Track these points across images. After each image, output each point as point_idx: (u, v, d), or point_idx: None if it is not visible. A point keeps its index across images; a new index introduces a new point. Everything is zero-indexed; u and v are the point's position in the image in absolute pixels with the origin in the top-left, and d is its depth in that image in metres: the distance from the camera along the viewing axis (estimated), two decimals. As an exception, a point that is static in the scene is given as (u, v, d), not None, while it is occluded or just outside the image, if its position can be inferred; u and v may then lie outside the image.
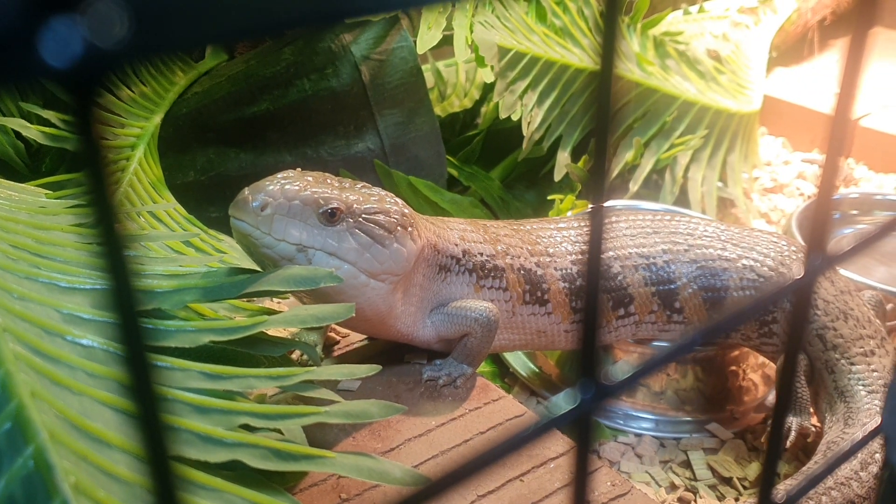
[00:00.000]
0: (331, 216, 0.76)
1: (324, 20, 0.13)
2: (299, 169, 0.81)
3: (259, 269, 0.77)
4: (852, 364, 0.86)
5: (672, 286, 0.93)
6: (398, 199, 0.82)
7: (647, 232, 0.96)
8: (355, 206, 0.77)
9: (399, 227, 0.79)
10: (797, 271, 0.97)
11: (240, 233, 0.76)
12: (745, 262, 0.93)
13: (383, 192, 0.82)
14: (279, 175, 0.78)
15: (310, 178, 0.79)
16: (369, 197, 0.80)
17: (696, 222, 0.98)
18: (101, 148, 0.14)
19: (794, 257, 0.93)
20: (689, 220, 0.98)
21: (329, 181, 0.80)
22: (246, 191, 0.76)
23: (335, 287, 0.75)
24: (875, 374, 0.85)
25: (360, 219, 0.77)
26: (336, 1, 0.13)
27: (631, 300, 0.94)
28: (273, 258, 0.76)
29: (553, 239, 0.93)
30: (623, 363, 1.02)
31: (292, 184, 0.77)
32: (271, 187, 0.76)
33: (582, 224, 0.96)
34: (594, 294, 0.23)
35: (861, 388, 0.84)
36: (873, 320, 0.90)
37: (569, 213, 1.17)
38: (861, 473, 0.74)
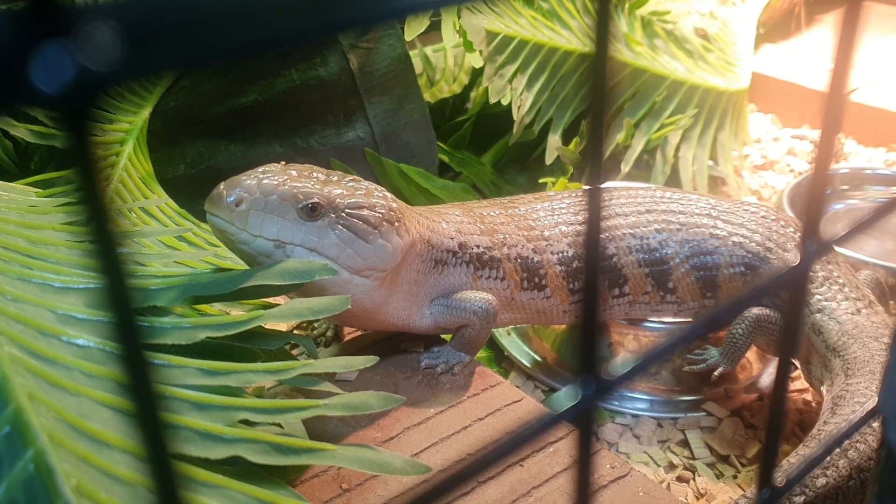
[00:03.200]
0: (311, 211, 0.74)
1: (317, 35, 0.13)
2: (283, 162, 0.80)
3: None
4: (840, 323, 0.87)
5: (665, 267, 0.94)
6: (387, 194, 0.80)
7: (639, 211, 0.96)
8: (338, 200, 0.76)
9: (384, 223, 0.77)
10: (783, 244, 0.98)
11: (216, 229, 0.75)
12: (734, 238, 0.94)
13: (372, 186, 0.80)
14: (259, 169, 0.77)
15: (293, 172, 0.77)
16: (355, 191, 0.78)
17: (688, 198, 0.98)
18: (96, 168, 0.14)
19: (782, 231, 0.95)
20: (681, 197, 0.98)
21: (315, 175, 0.78)
22: (221, 185, 0.74)
23: (317, 283, 0.73)
24: (864, 326, 0.86)
25: (343, 214, 0.76)
26: (329, 15, 0.13)
27: (626, 281, 0.94)
28: (251, 254, 0.75)
29: (548, 221, 0.93)
30: (623, 355, 1.03)
31: (271, 178, 0.75)
32: (248, 182, 0.74)
33: (575, 201, 0.96)
34: (593, 289, 0.23)
35: (851, 341, 0.85)
36: (861, 287, 0.91)
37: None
38: (875, 424, 0.74)
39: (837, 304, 0.88)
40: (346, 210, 0.76)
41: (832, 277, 0.91)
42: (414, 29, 1.17)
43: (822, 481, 0.68)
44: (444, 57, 1.52)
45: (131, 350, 0.18)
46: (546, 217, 0.93)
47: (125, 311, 0.17)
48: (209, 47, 0.12)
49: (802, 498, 0.67)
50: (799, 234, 0.94)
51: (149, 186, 1.05)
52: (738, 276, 0.94)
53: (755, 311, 0.91)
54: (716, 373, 0.94)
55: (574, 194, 0.98)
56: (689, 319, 1.00)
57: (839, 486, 0.69)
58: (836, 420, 0.77)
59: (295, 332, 0.93)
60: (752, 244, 0.94)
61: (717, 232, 0.95)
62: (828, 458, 0.70)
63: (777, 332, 0.91)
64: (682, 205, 0.97)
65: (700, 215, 0.96)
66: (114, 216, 0.15)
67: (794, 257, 0.95)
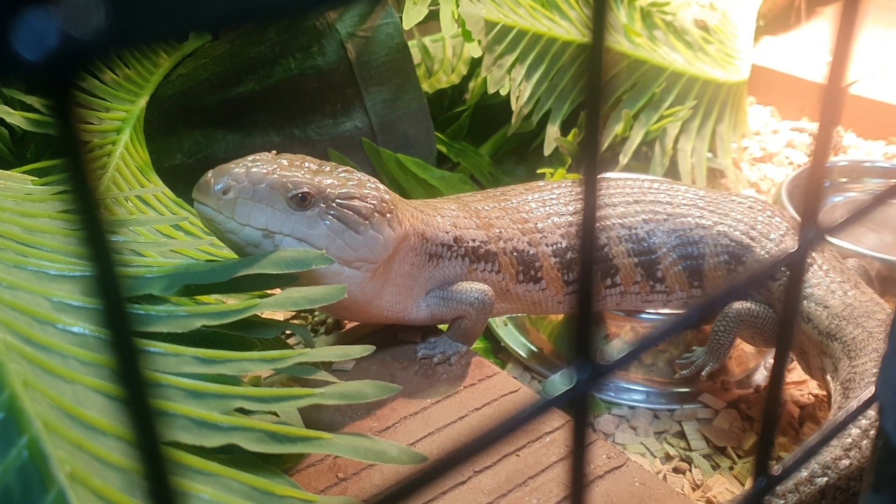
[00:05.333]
0: (301, 201, 0.73)
1: (306, 6, 0.13)
2: (274, 151, 0.79)
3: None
4: (827, 307, 0.87)
5: (653, 256, 0.95)
6: (380, 185, 0.80)
7: (627, 201, 0.97)
8: (329, 190, 0.75)
9: (376, 214, 0.76)
10: (766, 233, 0.98)
11: (203, 217, 0.74)
12: (719, 228, 0.95)
13: (364, 178, 0.79)
14: (248, 157, 0.76)
15: (284, 162, 0.76)
16: (346, 182, 0.77)
17: (674, 188, 0.99)
18: (82, 138, 0.14)
19: (766, 221, 0.95)
20: (668, 187, 0.99)
21: (307, 165, 0.77)
22: (209, 173, 0.73)
23: (307, 274, 0.72)
24: (854, 306, 0.86)
25: (334, 204, 0.75)
26: (319, -15, 0.13)
27: (617, 271, 0.95)
28: (239, 244, 0.74)
29: (540, 212, 0.93)
30: (618, 341, 1.03)
31: (260, 167, 0.74)
32: (236, 170, 0.73)
33: (565, 191, 0.96)
34: (588, 274, 0.23)
35: (844, 322, 0.85)
36: (846, 270, 0.92)
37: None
38: None
39: (823, 290, 0.89)
40: (337, 200, 0.75)
41: (816, 263, 0.91)
42: (412, 18, 1.17)
43: (845, 462, 0.68)
44: (443, 47, 1.52)
45: (121, 336, 0.18)
46: (538, 209, 0.93)
47: (114, 297, 0.17)
48: (195, 16, 0.12)
49: (825, 479, 0.67)
50: (785, 223, 0.94)
51: (145, 175, 1.05)
52: (722, 265, 0.95)
53: (735, 306, 0.91)
54: (703, 373, 0.95)
55: (564, 184, 0.99)
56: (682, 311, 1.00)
57: (863, 468, 0.68)
58: (848, 404, 0.77)
59: (292, 321, 0.93)
60: (736, 233, 0.95)
61: (703, 222, 0.96)
62: (850, 440, 0.70)
63: (760, 324, 0.91)
64: (668, 195, 0.98)
65: (686, 205, 0.97)
66: (104, 199, 0.15)
67: (775, 246, 0.96)
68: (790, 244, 0.93)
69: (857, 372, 0.79)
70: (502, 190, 0.98)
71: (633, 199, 0.97)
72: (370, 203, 0.76)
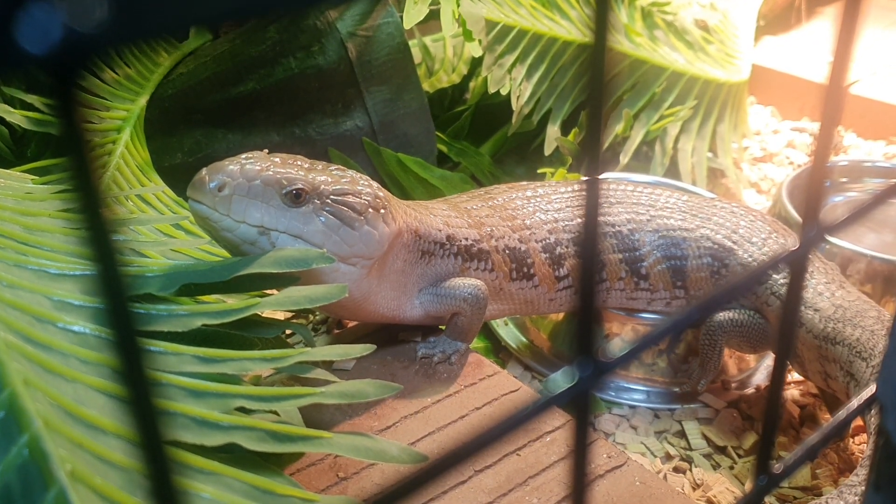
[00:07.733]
0: (296, 197, 0.73)
1: (308, 3, 0.13)
2: (266, 150, 0.79)
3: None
4: (818, 310, 0.87)
5: (637, 253, 0.97)
6: (373, 182, 0.80)
7: (609, 202, 0.98)
8: (323, 187, 0.75)
9: (370, 210, 0.76)
10: (748, 237, 0.98)
11: (198, 215, 0.73)
12: (702, 231, 0.97)
13: (357, 175, 0.79)
14: (242, 155, 0.76)
15: (276, 160, 0.76)
16: (340, 178, 0.77)
17: (657, 193, 1.00)
18: (85, 134, 0.14)
19: (749, 226, 0.96)
20: (651, 192, 1.00)
21: (299, 163, 0.77)
22: (203, 171, 0.73)
23: (303, 272, 0.72)
24: (845, 307, 0.86)
25: (328, 200, 0.75)
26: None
27: (602, 266, 0.95)
28: (234, 242, 0.73)
29: (526, 209, 0.94)
30: (618, 340, 1.03)
31: (254, 164, 0.74)
32: (231, 167, 0.73)
33: (548, 189, 0.98)
34: (590, 271, 0.23)
35: (841, 325, 0.85)
36: (829, 271, 0.92)
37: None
38: None
39: (811, 293, 0.89)
40: (331, 196, 0.75)
41: None
42: (412, 17, 1.17)
43: None
44: (443, 47, 1.52)
45: (124, 335, 0.18)
46: (524, 206, 0.94)
47: (117, 296, 0.17)
48: (198, 11, 0.12)
49: None
50: (768, 227, 0.95)
51: (146, 175, 1.05)
52: (704, 267, 0.96)
53: (717, 317, 0.92)
54: (699, 387, 0.97)
55: (547, 182, 1.00)
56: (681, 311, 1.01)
57: None
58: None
59: (292, 320, 0.93)
60: (719, 236, 0.96)
61: (685, 224, 0.97)
62: None
63: (746, 332, 0.93)
64: (651, 198, 0.99)
65: (668, 208, 0.98)
66: (106, 196, 0.15)
67: (757, 250, 0.96)
68: (773, 247, 0.93)
69: (868, 372, 0.79)
70: (486, 189, 0.99)
71: (615, 199, 0.99)
72: (364, 199, 0.76)
